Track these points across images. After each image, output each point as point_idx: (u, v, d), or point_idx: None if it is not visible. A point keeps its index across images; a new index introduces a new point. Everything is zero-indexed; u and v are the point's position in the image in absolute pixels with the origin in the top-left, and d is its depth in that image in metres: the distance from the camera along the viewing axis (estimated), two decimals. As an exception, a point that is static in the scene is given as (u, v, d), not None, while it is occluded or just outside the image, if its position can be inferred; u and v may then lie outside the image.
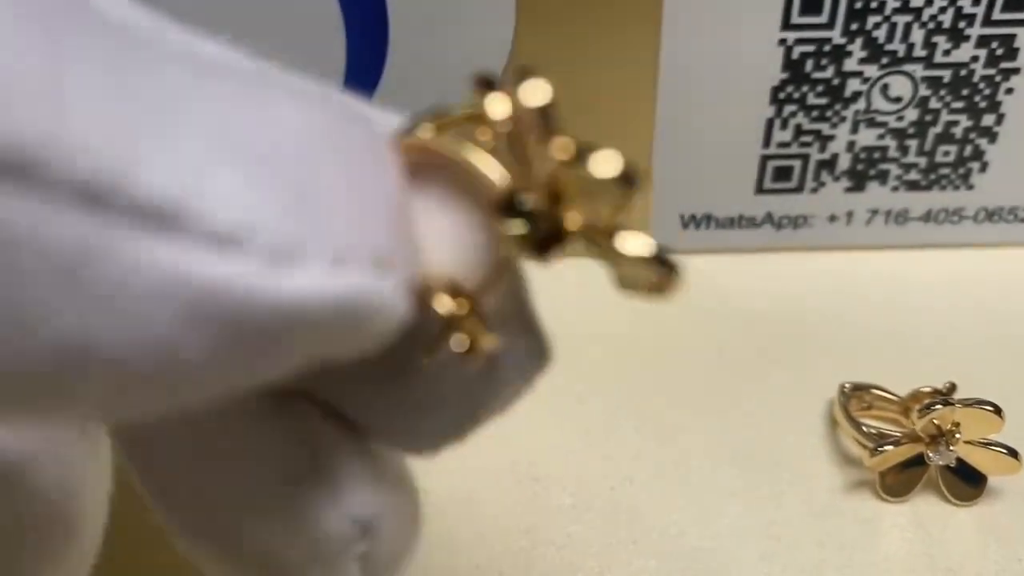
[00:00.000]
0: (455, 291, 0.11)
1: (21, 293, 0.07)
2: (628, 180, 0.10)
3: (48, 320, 0.07)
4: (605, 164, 0.10)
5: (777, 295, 0.26)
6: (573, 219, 0.10)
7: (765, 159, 0.25)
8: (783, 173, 0.25)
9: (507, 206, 0.10)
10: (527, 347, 0.13)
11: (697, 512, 0.21)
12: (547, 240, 0.10)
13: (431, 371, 0.12)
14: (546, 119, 0.10)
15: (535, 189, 0.10)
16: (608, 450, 0.23)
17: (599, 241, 0.10)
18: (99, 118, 0.07)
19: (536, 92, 0.10)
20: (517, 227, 0.10)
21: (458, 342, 0.11)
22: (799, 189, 0.25)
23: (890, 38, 0.22)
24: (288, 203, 0.08)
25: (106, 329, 0.08)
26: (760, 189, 0.25)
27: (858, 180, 0.25)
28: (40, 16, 0.07)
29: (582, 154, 0.10)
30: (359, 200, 0.09)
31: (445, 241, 0.11)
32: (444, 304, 0.10)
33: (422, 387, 0.13)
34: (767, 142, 0.24)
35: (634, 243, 0.10)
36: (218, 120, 0.08)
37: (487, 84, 0.10)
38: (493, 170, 0.10)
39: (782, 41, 0.22)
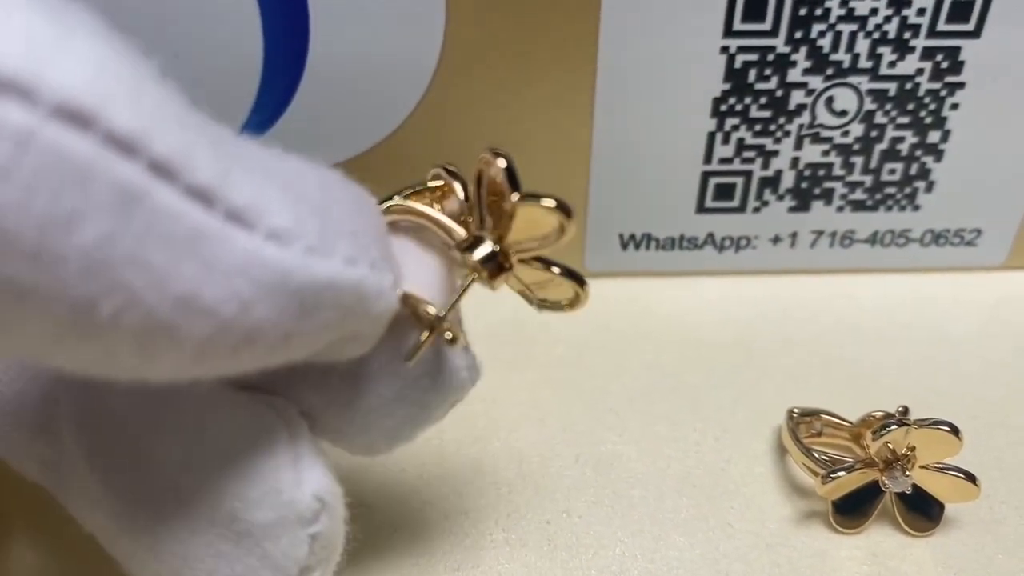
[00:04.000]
0: (428, 307, 0.14)
1: (167, 257, 0.10)
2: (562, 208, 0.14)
3: (175, 276, 0.10)
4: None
5: (720, 319, 0.25)
6: (514, 255, 0.15)
7: (706, 175, 0.23)
8: (725, 191, 0.24)
9: (470, 245, 0.15)
10: (466, 362, 0.16)
11: (639, 547, 0.20)
12: (496, 270, 0.15)
13: (395, 375, 0.15)
14: (510, 180, 0.14)
15: (488, 233, 0.15)
16: (543, 480, 0.21)
17: (533, 267, 0.15)
18: (215, 153, 0.11)
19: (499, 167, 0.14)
20: (477, 259, 0.15)
21: (449, 338, 0.15)
22: (741, 208, 0.24)
23: (835, 48, 0.22)
24: (317, 221, 0.12)
25: (207, 286, 0.11)
26: (701, 208, 0.24)
27: (802, 199, 0.24)
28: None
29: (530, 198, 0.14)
30: (359, 227, 0.13)
31: (420, 273, 0.15)
32: (430, 311, 0.14)
33: (379, 390, 0.15)
34: (708, 157, 0.23)
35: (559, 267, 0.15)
36: (269, 166, 0.12)
37: (450, 172, 0.16)
38: (453, 222, 0.15)
39: (724, 49, 0.21)
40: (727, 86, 0.22)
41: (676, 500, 0.21)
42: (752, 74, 0.22)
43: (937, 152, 0.24)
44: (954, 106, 0.23)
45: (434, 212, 0.16)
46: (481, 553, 0.19)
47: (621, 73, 0.22)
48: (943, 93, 0.23)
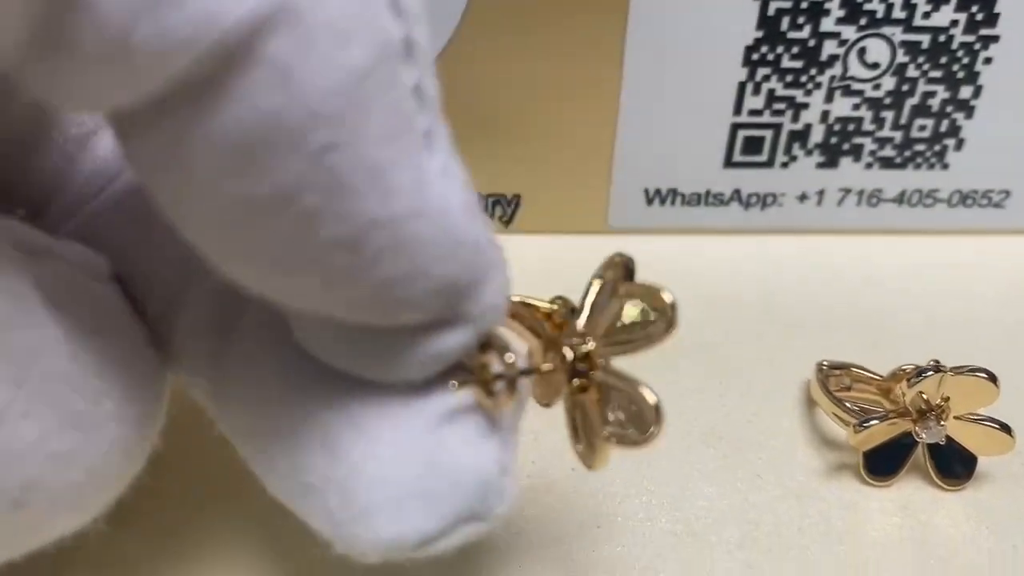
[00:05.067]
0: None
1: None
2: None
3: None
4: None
5: (744, 277, 0.24)
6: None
7: (735, 127, 0.23)
8: (753, 144, 0.23)
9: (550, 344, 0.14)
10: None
11: (667, 496, 0.19)
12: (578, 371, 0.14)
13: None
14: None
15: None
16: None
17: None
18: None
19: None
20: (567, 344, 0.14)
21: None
22: (769, 163, 0.24)
23: (869, -4, 0.21)
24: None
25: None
26: (729, 162, 0.24)
27: (831, 155, 0.24)
28: None
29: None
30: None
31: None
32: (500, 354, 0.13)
33: None
34: (738, 108, 0.23)
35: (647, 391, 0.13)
36: None
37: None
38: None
39: (757, -5, 0.21)
40: (759, 34, 0.22)
41: (703, 451, 0.20)
42: (785, 22, 0.22)
43: (968, 108, 0.23)
44: (988, 60, 0.22)
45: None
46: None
47: (652, 20, 0.21)
48: (977, 47, 0.22)
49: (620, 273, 0.14)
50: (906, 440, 0.19)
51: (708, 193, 0.24)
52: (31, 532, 0.12)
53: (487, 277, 0.13)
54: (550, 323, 0.15)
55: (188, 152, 0.10)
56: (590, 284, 0.14)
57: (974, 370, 0.19)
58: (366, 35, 0.10)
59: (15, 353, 0.11)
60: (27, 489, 0.11)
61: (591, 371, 0.14)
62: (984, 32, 0.22)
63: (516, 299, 0.15)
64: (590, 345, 0.14)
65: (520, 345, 0.14)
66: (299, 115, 0.10)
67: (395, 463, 0.13)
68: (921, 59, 0.22)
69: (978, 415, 0.19)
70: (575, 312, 0.14)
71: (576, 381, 0.14)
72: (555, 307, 0.15)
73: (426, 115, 0.11)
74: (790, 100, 0.23)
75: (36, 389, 0.11)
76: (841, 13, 0.21)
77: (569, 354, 0.14)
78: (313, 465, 0.13)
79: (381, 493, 0.13)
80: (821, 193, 0.24)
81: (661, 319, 0.13)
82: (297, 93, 0.10)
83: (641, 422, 0.14)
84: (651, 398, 0.13)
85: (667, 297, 0.13)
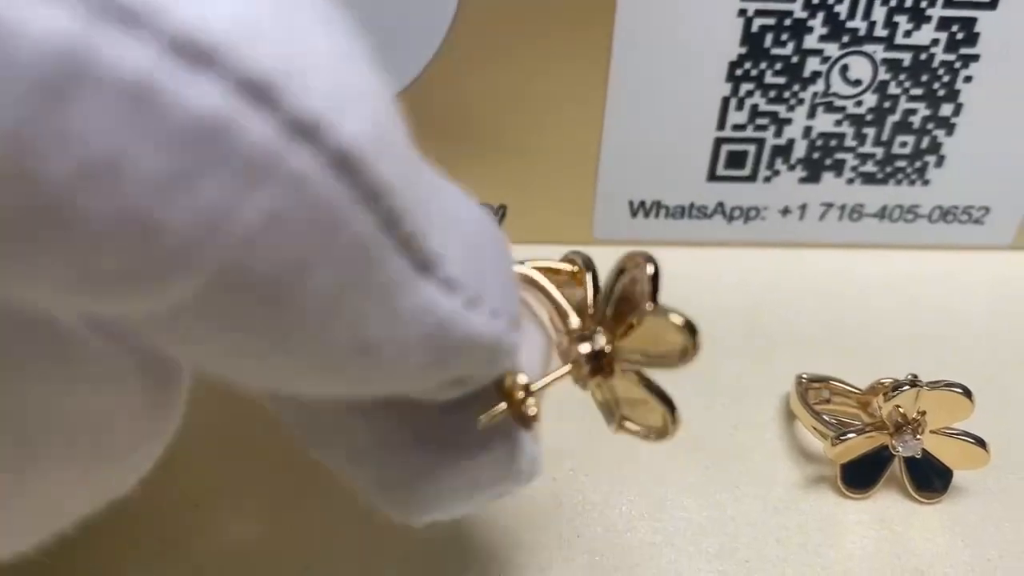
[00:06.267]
0: (520, 376, 0.14)
1: (365, 303, 0.10)
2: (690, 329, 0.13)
3: (364, 322, 0.10)
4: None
5: (727, 290, 0.25)
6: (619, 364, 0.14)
7: (719, 142, 0.23)
8: (737, 159, 0.24)
9: (582, 336, 0.14)
10: (535, 454, 0.16)
11: (646, 506, 0.20)
12: (597, 370, 0.14)
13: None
14: (652, 289, 0.13)
15: (604, 332, 0.14)
16: (548, 439, 0.21)
17: (631, 382, 0.14)
18: (416, 193, 0.10)
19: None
20: (584, 353, 0.14)
21: (529, 407, 0.14)
22: (752, 178, 0.24)
23: (852, 15, 0.22)
24: (475, 268, 0.11)
25: (385, 330, 0.10)
26: (713, 176, 0.24)
27: (813, 170, 0.24)
28: None
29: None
30: (505, 277, 0.13)
31: (529, 347, 0.14)
32: (521, 380, 0.13)
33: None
34: (722, 123, 0.23)
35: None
36: (441, 197, 0.11)
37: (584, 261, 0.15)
38: (571, 309, 0.15)
39: (742, 12, 0.21)
40: (743, 50, 0.22)
41: (684, 462, 0.20)
42: (769, 39, 0.22)
43: (949, 125, 0.23)
44: (968, 79, 0.23)
45: (557, 293, 0.15)
46: (485, 508, 0.19)
47: (638, 34, 0.22)
48: (957, 65, 0.23)
49: (646, 281, 0.13)
50: (883, 453, 0.20)
51: (692, 206, 0.24)
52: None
53: (492, 359, 0.12)
54: (571, 281, 0.15)
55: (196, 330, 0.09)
56: (614, 279, 0.14)
57: (950, 385, 0.19)
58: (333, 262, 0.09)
59: None
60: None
61: (610, 368, 0.14)
62: (964, 51, 0.22)
63: (533, 266, 0.15)
64: (604, 343, 0.14)
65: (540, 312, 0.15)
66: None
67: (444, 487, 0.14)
68: (902, 77, 0.23)
69: (954, 429, 0.19)
70: (594, 290, 0.15)
71: (597, 377, 0.14)
72: (572, 267, 0.15)
73: (416, 250, 0.10)
74: (773, 115, 0.23)
75: None
76: (824, 31, 0.22)
77: (586, 352, 0.14)
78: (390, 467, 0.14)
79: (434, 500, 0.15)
80: (803, 207, 0.25)
81: (675, 354, 0.13)
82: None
83: (655, 428, 0.14)
84: (668, 411, 0.14)
85: (678, 340, 0.13)
